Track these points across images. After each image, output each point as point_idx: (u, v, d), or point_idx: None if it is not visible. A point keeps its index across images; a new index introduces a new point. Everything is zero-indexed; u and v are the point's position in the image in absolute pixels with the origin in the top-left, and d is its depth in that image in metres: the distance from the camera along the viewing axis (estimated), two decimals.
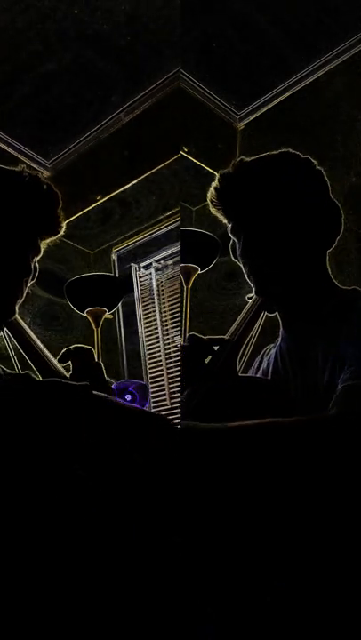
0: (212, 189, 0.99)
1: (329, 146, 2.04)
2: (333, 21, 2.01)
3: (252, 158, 0.99)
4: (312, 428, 0.72)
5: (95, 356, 1.01)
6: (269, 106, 2.32)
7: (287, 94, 2.25)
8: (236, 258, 1.01)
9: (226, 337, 1.02)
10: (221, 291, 2.32)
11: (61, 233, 1.00)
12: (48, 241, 0.99)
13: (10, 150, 2.43)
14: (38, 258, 0.98)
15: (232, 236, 1.00)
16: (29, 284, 0.97)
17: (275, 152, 0.99)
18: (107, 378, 1.02)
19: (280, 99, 2.28)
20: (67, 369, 1.02)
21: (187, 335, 1.02)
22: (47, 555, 0.56)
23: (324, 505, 0.70)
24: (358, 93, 2.05)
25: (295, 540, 0.69)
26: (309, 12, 1.98)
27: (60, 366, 0.99)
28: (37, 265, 0.98)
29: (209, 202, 1.01)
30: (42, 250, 0.98)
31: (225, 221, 1.01)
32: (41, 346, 0.99)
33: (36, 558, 0.56)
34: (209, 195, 1.00)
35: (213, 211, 1.01)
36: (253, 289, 0.99)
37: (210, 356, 1.00)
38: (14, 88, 2.20)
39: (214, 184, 0.99)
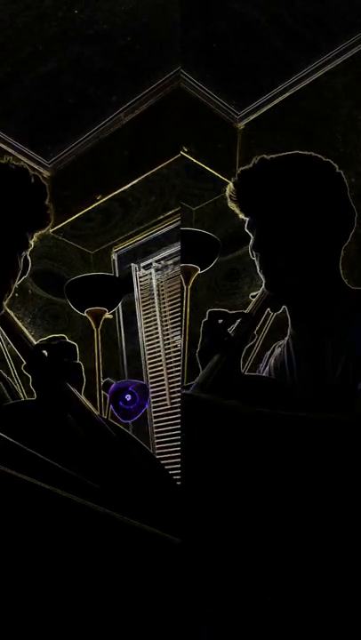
0: (231, 185, 1.00)
1: (329, 146, 2.04)
2: (333, 21, 2.01)
3: (273, 156, 1.00)
4: (336, 427, 0.70)
5: (78, 354, 0.98)
6: (269, 106, 2.32)
7: (287, 94, 2.25)
8: (252, 254, 1.01)
9: (246, 311, 1.02)
10: (221, 290, 2.32)
11: (50, 226, 0.99)
12: (38, 234, 0.98)
13: (10, 150, 2.43)
14: (28, 252, 0.97)
15: (248, 230, 1.00)
16: (20, 279, 0.96)
17: (295, 152, 1.01)
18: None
19: (280, 99, 2.28)
20: None
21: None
22: (46, 552, 0.56)
23: (326, 505, 0.70)
24: (358, 93, 2.06)
25: (296, 539, 0.69)
26: (309, 12, 1.98)
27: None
28: (29, 259, 0.97)
29: (227, 196, 1.02)
30: (31, 244, 0.97)
31: (242, 216, 1.02)
32: (32, 340, 0.99)
33: (36, 555, 0.56)
34: (228, 189, 1.01)
35: (231, 205, 1.02)
36: (264, 282, 0.99)
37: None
38: (14, 88, 2.21)
39: (234, 179, 1.00)
